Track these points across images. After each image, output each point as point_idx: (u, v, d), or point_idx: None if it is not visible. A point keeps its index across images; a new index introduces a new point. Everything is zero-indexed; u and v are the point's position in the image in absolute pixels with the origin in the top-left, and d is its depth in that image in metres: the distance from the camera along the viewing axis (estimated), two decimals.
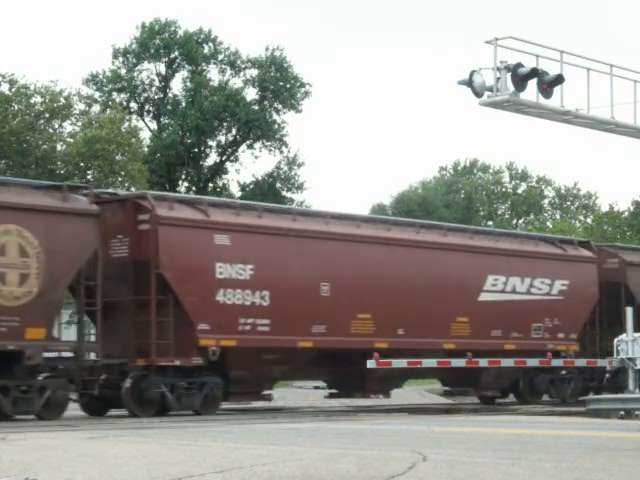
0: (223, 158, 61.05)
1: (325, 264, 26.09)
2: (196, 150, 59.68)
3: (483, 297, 29.28)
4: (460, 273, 28.84)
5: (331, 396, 29.34)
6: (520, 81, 21.51)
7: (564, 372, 31.15)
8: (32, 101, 45.93)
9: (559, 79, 21.97)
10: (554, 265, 31.23)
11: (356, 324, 26.42)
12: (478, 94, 21.60)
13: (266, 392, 25.93)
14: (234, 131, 59.93)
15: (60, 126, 47.40)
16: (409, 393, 36.95)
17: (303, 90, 59.92)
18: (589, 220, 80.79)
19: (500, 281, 29.68)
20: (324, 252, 26.15)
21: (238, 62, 59.99)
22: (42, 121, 46.28)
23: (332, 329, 25.82)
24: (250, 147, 60.60)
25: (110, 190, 28.08)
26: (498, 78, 21.44)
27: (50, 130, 46.74)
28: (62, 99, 46.59)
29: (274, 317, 24.79)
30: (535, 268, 30.66)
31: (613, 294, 32.62)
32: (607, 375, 31.22)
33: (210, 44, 59.78)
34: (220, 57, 60.04)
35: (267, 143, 60.27)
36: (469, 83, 21.47)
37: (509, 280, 29.91)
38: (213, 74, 60.28)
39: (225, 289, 24.14)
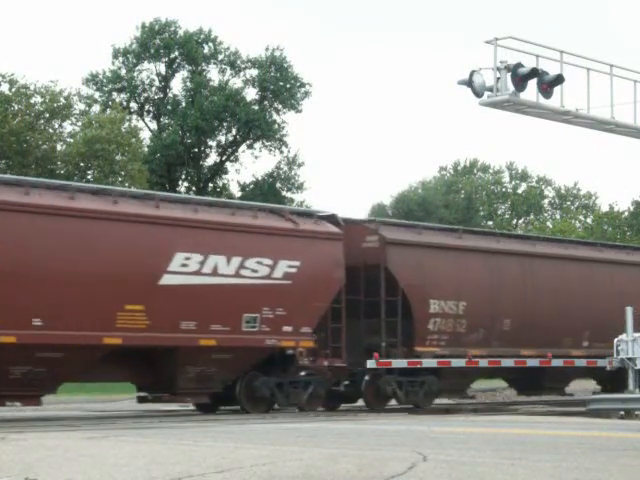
0: (223, 158, 61.10)
1: None
2: (196, 150, 59.73)
3: (167, 280, 23.17)
4: (133, 249, 22.92)
5: None
6: (520, 81, 21.52)
7: (303, 373, 25.50)
8: (32, 101, 46.04)
9: (559, 79, 21.99)
10: (279, 242, 25.10)
11: None
12: (478, 94, 21.61)
13: None
14: (234, 131, 59.98)
15: (60, 126, 47.54)
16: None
17: (303, 90, 60.01)
18: (589, 220, 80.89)
19: (194, 260, 23.55)
20: None
21: (238, 62, 60.06)
22: (42, 121, 46.36)
23: None
24: (250, 147, 60.69)
25: None
26: (498, 78, 21.46)
27: (50, 130, 46.82)
28: (62, 99, 46.69)
29: None
30: (249, 245, 24.53)
31: (374, 278, 26.95)
32: (345, 381, 26.79)
33: (210, 44, 59.85)
34: (220, 57, 60.12)
35: (267, 143, 60.37)
36: (469, 83, 21.48)
37: (208, 259, 23.77)
38: (213, 74, 60.44)
39: None
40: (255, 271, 24.54)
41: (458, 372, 28.14)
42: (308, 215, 26.79)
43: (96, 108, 53.52)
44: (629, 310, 27.41)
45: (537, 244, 31.31)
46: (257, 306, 24.49)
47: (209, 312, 23.69)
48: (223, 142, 60.44)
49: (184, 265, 23.43)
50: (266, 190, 60.35)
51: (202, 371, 23.94)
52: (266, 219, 25.38)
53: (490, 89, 21.58)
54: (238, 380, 24.60)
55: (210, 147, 60.59)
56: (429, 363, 27.28)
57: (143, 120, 59.49)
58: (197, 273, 23.61)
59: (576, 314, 30.95)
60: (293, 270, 25.12)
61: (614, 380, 32.15)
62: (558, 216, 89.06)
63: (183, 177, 60.85)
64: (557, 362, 29.64)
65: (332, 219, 26.77)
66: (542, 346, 29.68)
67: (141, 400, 24.81)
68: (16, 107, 45.61)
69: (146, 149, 54.51)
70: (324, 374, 25.76)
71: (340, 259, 25.99)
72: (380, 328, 26.80)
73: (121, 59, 58.42)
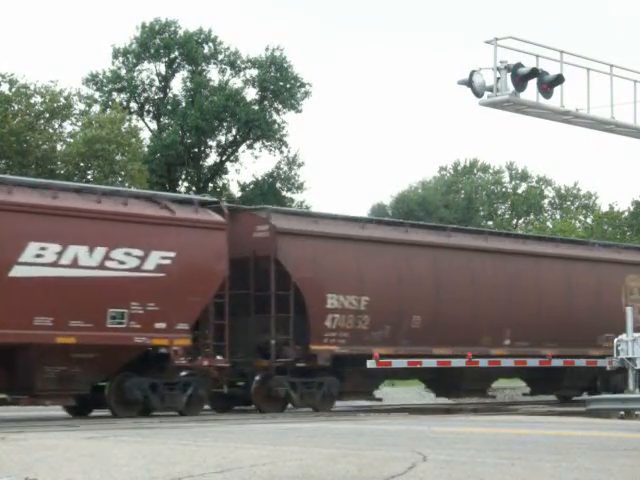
0: (223, 158, 61.08)
1: None
2: (196, 150, 59.71)
3: (18, 272, 21.45)
4: None
5: None
6: (520, 81, 21.54)
7: (184, 373, 23.88)
8: (32, 101, 45.98)
9: (559, 79, 22.00)
10: (151, 231, 23.24)
11: None
12: (478, 94, 21.63)
13: None
14: (234, 131, 59.95)
15: (60, 126, 47.47)
16: None
17: (303, 90, 59.95)
18: (589, 220, 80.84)
19: (51, 250, 21.73)
20: None
21: (238, 62, 60.02)
22: (42, 121, 46.31)
23: None
24: (250, 147, 60.64)
25: None
26: (498, 78, 21.47)
27: (50, 130, 46.78)
28: (62, 99, 46.64)
29: None
30: (116, 234, 22.70)
31: (265, 271, 25.04)
32: (241, 382, 25.29)
33: (210, 44, 59.81)
34: (220, 57, 60.07)
35: (267, 143, 60.31)
36: (469, 83, 21.49)
37: (68, 249, 21.94)
38: (213, 74, 60.39)
39: None
40: (122, 262, 22.70)
41: (363, 373, 26.39)
42: (187, 202, 24.77)
43: (96, 108, 53.47)
44: (629, 310, 27.39)
45: (452, 235, 29.35)
46: (125, 301, 22.64)
47: (68, 307, 21.86)
48: (223, 142, 60.43)
49: (39, 256, 21.64)
50: (266, 190, 60.33)
51: (63, 371, 22.05)
52: (137, 206, 23.53)
53: (490, 89, 21.59)
54: (109, 381, 23.03)
55: (210, 147, 60.57)
56: (429, 363, 26.75)
57: (143, 120, 59.51)
58: (54, 264, 21.78)
59: (496, 311, 29.03)
60: (167, 262, 23.25)
61: (545, 380, 31.27)
62: (558, 216, 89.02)
63: (183, 177, 60.84)
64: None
65: (214, 206, 24.98)
66: (457, 344, 27.73)
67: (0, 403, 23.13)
68: (16, 107, 45.55)
69: (146, 149, 54.48)
70: (209, 374, 24.05)
71: (222, 250, 24.07)
72: (268, 325, 25.06)
73: (121, 59, 58.37)
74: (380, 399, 28.34)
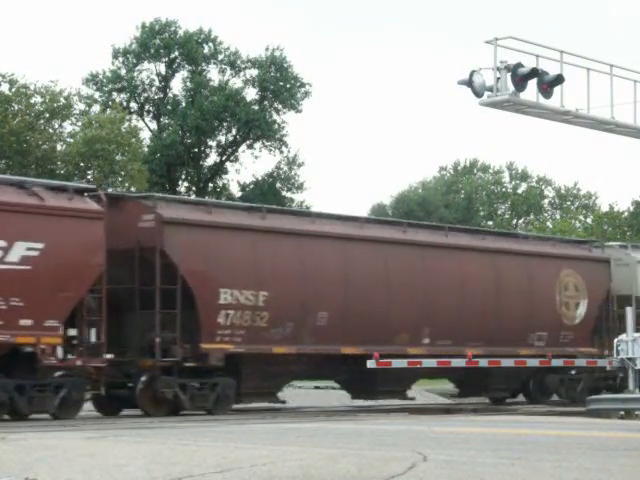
0: (223, 158, 61.10)
1: None
2: (196, 150, 59.73)
3: None
4: None
5: None
6: (520, 81, 21.51)
7: (59, 374, 22.10)
8: (32, 101, 46.00)
9: (559, 79, 21.98)
10: (16, 220, 21.33)
11: None
12: (478, 94, 21.60)
13: None
14: (234, 131, 59.98)
15: (60, 126, 47.49)
16: None
17: (303, 90, 59.99)
18: (589, 220, 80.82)
19: None
20: None
21: (238, 62, 60.05)
22: (42, 121, 46.32)
23: None
24: (250, 147, 60.67)
25: None
26: (498, 78, 21.44)
27: (50, 130, 46.78)
28: (62, 99, 46.65)
29: None
30: None
31: (150, 263, 23.31)
32: (130, 383, 23.41)
33: (210, 44, 59.84)
34: (220, 57, 60.11)
35: (267, 143, 60.35)
36: (469, 83, 21.47)
37: None
38: (213, 74, 60.44)
39: None
40: None
41: (264, 373, 25.10)
42: (61, 190, 22.61)
43: (96, 108, 53.50)
44: (629, 310, 27.35)
45: (365, 226, 27.46)
46: None
47: None
48: (223, 142, 60.46)
49: None
50: (266, 190, 60.35)
51: None
52: (1, 193, 21.57)
53: (490, 89, 21.56)
54: None
55: (210, 147, 60.60)
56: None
57: (143, 120, 59.54)
58: None
59: (413, 307, 27.26)
60: (34, 253, 21.34)
61: (473, 382, 29.72)
62: (558, 216, 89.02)
63: (183, 177, 60.86)
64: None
65: (93, 193, 23.15)
66: (369, 343, 25.92)
67: None
68: (16, 107, 45.56)
69: (146, 149, 54.49)
70: (86, 375, 22.25)
71: (99, 241, 22.21)
72: (152, 321, 23.28)
73: (121, 59, 58.42)
74: (284, 402, 26.55)
